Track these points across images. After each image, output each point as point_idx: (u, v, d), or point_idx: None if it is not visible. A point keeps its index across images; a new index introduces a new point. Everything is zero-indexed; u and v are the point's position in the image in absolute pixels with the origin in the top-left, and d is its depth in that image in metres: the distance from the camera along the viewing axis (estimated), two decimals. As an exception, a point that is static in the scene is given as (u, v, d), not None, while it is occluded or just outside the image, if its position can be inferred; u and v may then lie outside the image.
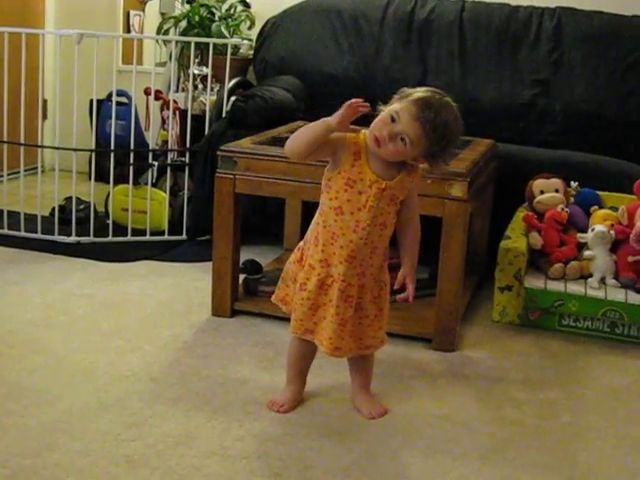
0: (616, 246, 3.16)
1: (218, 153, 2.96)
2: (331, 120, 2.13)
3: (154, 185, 4.07)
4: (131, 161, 3.91)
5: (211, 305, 3.06)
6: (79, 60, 3.68)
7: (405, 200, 2.28)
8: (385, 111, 2.15)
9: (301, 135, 2.19)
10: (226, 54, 4.01)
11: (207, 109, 4.06)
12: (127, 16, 5.30)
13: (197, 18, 4.56)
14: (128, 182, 3.92)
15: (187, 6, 4.71)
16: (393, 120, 2.13)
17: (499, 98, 4.08)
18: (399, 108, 2.13)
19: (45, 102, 4.86)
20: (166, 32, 4.63)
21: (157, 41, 4.59)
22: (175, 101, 4.11)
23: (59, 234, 3.85)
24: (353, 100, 2.11)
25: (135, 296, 3.23)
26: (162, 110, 4.22)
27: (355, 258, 2.25)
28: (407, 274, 2.32)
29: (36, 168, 4.01)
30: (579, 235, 3.20)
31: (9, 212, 3.95)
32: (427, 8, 4.30)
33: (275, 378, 2.53)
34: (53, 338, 2.80)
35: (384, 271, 2.34)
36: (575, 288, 3.05)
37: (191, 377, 2.56)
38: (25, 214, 3.89)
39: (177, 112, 4.09)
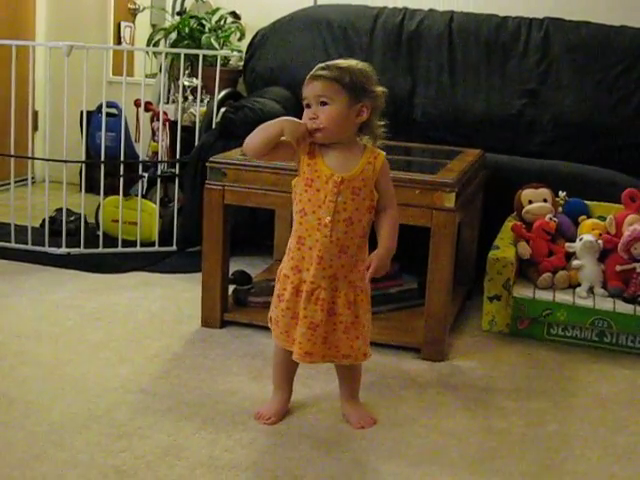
0: (604, 255, 3.17)
1: (207, 164, 2.98)
2: (288, 128, 2.18)
3: (144, 196, 4.07)
4: (121, 172, 3.92)
5: (201, 316, 3.07)
6: (69, 72, 3.69)
7: (379, 194, 2.26)
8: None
9: (257, 134, 2.23)
10: (216, 65, 4.03)
11: (197, 120, 4.07)
12: (118, 27, 5.31)
13: (187, 30, 4.57)
14: (118, 193, 3.93)
15: (177, 18, 4.72)
16: (308, 106, 2.21)
17: (488, 108, 4.10)
18: (303, 93, 2.22)
19: (35, 113, 4.87)
20: (156, 44, 4.63)
21: (147, 53, 4.61)
22: (165, 112, 4.12)
23: (49, 245, 3.86)
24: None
25: (125, 307, 3.24)
26: (152, 121, 4.23)
27: (323, 258, 2.23)
28: (376, 254, 2.26)
29: (26, 179, 4.01)
30: (567, 245, 3.21)
31: (-1, 224, 3.96)
32: (416, 19, 4.32)
33: (264, 388, 2.54)
34: (42, 349, 2.80)
35: (360, 277, 2.29)
36: (564, 297, 3.06)
37: (180, 388, 2.56)
38: (15, 225, 3.90)
39: (167, 123, 4.11)
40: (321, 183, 2.21)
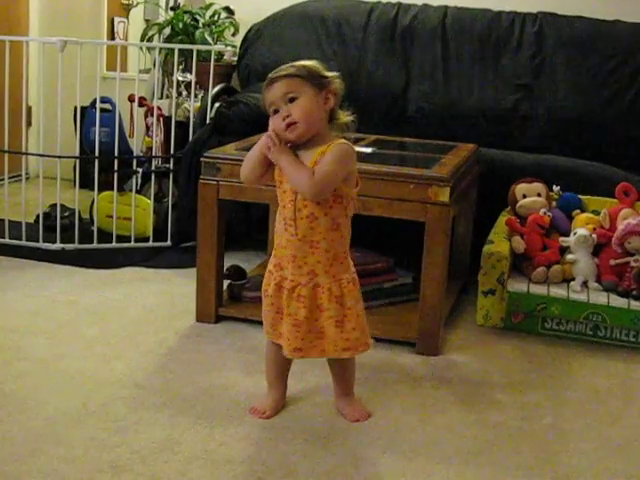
0: (598, 250, 3.18)
1: (201, 159, 2.98)
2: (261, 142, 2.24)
3: (138, 192, 4.08)
4: (115, 168, 3.92)
5: (195, 311, 3.07)
6: (63, 67, 3.68)
7: None
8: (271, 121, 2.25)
9: (246, 162, 2.31)
10: (210, 61, 4.02)
11: (191, 116, 4.07)
12: (111, 23, 5.31)
13: (181, 25, 4.56)
14: (113, 189, 3.93)
15: (171, 13, 4.72)
16: (276, 111, 2.21)
17: (482, 103, 4.10)
18: (266, 102, 2.23)
19: (29, 109, 4.86)
20: (150, 39, 4.63)
21: (141, 48, 4.60)
22: (159, 108, 4.11)
23: (44, 241, 3.85)
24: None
25: (120, 302, 3.24)
26: (146, 117, 4.23)
27: (296, 256, 2.26)
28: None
29: (21, 175, 4.01)
30: (561, 239, 3.21)
31: (-7, 219, 3.95)
32: (410, 14, 4.32)
33: (259, 383, 2.54)
34: (38, 345, 2.80)
35: (345, 268, 2.29)
36: (558, 291, 3.07)
37: (175, 383, 2.56)
38: (10, 221, 3.89)
39: (161, 119, 4.10)
40: (284, 184, 2.25)
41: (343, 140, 2.23)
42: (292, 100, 2.18)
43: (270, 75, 2.22)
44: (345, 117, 2.28)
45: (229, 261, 3.24)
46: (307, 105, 2.18)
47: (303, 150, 2.23)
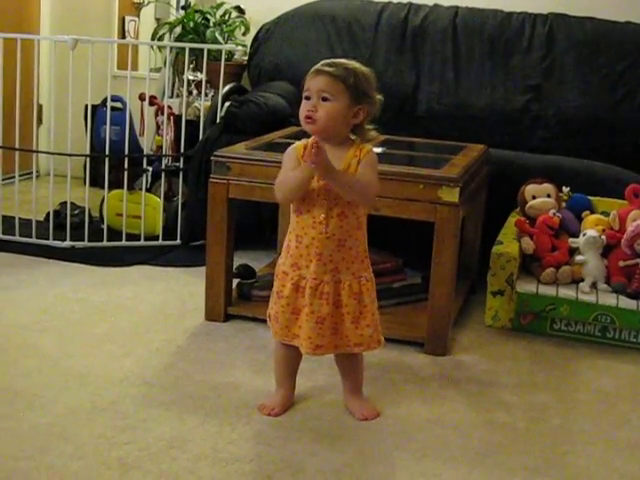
0: (607, 251, 3.18)
1: (212, 158, 2.98)
2: (309, 167, 2.18)
3: (148, 190, 4.08)
4: (125, 166, 3.93)
5: (204, 310, 3.07)
6: (74, 65, 3.69)
7: None
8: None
9: (289, 185, 2.25)
10: (220, 60, 4.03)
11: (201, 115, 4.07)
12: (122, 22, 5.32)
13: (192, 24, 4.57)
14: (123, 187, 3.94)
15: (182, 12, 4.73)
16: (308, 98, 2.23)
17: (492, 104, 4.10)
18: (305, 84, 2.24)
19: (40, 107, 4.87)
20: (161, 38, 4.64)
21: (152, 47, 4.61)
22: (169, 107, 4.12)
23: (54, 239, 3.86)
24: (312, 141, 2.15)
25: (129, 301, 3.24)
26: (157, 115, 4.23)
27: (322, 254, 2.27)
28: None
29: (31, 173, 4.02)
30: (571, 240, 3.21)
31: (4, 217, 3.96)
32: (421, 14, 4.33)
33: (268, 382, 2.54)
34: (47, 342, 2.81)
35: (365, 267, 2.33)
36: (567, 293, 3.06)
37: (184, 381, 2.57)
38: (20, 219, 3.90)
39: (171, 117, 4.11)
40: (313, 182, 2.25)
41: (370, 147, 2.29)
42: (325, 99, 2.20)
43: (320, 65, 2.24)
44: (371, 134, 2.30)
45: (238, 260, 3.24)
46: (334, 112, 2.20)
47: (332, 150, 2.23)
